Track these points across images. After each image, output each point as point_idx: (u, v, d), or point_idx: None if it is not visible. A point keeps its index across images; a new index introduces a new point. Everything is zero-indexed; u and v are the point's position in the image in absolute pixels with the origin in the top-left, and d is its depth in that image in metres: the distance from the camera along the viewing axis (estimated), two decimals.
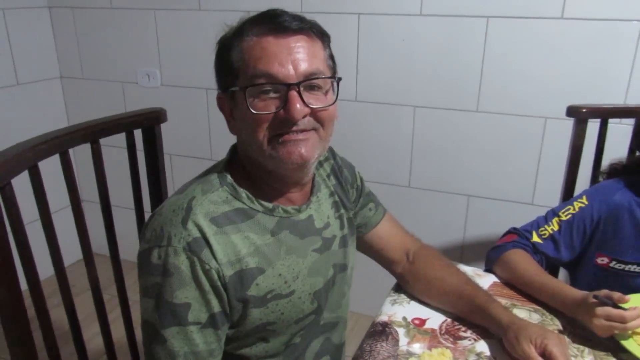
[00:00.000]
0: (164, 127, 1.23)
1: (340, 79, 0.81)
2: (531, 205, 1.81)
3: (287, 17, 0.76)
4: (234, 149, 0.88)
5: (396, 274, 1.08)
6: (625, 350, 0.86)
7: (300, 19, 0.77)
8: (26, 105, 2.26)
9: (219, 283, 0.75)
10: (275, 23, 0.75)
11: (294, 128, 0.76)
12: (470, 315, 0.96)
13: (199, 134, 2.23)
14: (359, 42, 1.86)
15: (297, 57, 0.75)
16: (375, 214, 1.06)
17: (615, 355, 0.88)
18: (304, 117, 0.76)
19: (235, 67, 0.77)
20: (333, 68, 0.83)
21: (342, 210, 0.96)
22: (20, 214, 0.86)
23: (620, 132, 1.46)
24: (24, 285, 0.85)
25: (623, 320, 0.85)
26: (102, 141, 1.07)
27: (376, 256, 1.09)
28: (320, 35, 0.80)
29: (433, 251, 1.08)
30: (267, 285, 0.80)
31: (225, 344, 0.82)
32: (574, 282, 1.19)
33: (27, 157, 0.90)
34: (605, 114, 1.37)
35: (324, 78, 0.78)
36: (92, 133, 1.06)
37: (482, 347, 0.91)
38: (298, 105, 0.74)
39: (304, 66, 0.75)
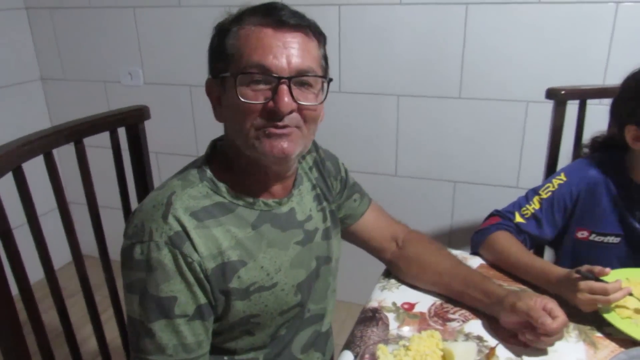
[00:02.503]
0: (150, 125, 1.23)
1: (331, 79, 0.82)
2: (516, 188, 1.83)
3: (287, 12, 0.76)
4: (213, 145, 0.88)
5: (386, 260, 1.10)
6: (608, 324, 0.89)
7: (300, 16, 0.78)
8: (7, 109, 2.23)
9: (202, 275, 0.76)
10: (274, 16, 0.76)
11: (279, 123, 0.76)
12: (463, 294, 0.97)
13: (184, 132, 2.22)
14: (340, 34, 1.86)
15: (292, 52, 0.76)
16: (361, 204, 1.07)
17: (599, 329, 0.90)
18: (291, 112, 0.76)
19: (229, 53, 0.78)
20: (325, 69, 0.83)
21: (325, 203, 0.97)
22: (7, 217, 0.86)
23: (600, 113, 1.48)
24: (14, 290, 0.85)
25: (605, 293, 0.87)
26: (86, 143, 1.07)
27: (364, 246, 1.10)
28: (317, 35, 0.81)
29: (422, 235, 1.10)
30: (250, 278, 0.81)
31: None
32: (558, 259, 1.21)
33: (10, 158, 0.89)
34: (583, 95, 1.39)
35: (315, 76, 0.78)
36: (75, 132, 1.05)
37: (470, 327, 0.93)
38: (286, 99, 0.75)
39: (297, 62, 0.76)
